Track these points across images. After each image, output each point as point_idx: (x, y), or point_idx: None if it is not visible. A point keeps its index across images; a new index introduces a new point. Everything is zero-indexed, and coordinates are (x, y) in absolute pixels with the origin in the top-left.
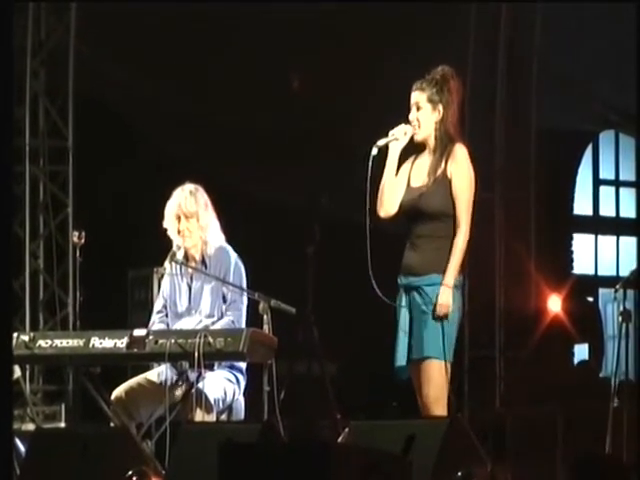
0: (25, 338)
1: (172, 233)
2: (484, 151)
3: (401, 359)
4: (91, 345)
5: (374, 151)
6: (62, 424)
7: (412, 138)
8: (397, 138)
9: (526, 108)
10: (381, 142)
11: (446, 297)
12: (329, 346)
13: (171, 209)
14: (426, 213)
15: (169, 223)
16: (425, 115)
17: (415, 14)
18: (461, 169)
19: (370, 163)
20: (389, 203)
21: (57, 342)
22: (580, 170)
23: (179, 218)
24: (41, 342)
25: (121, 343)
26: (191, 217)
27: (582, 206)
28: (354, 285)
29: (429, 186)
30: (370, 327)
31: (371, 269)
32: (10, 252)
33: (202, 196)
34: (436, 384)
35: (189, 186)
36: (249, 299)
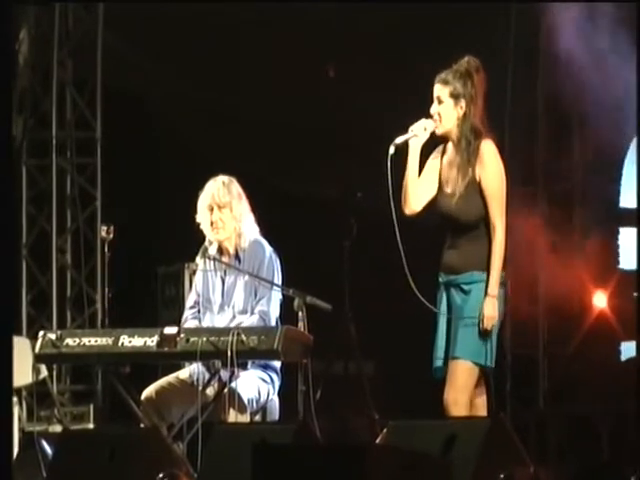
0: (52, 336)
1: (205, 226)
2: (526, 144)
3: (438, 359)
4: (120, 343)
5: (391, 150)
6: (90, 425)
7: (434, 132)
8: (416, 135)
9: (569, 100)
10: (399, 140)
11: (492, 309)
12: (367, 344)
13: (204, 201)
14: (463, 222)
15: (202, 216)
16: (447, 110)
17: (455, 7)
18: (489, 170)
19: (389, 163)
20: (414, 201)
21: (85, 340)
22: (626, 162)
23: (212, 209)
24: (69, 340)
25: (151, 341)
26: (224, 207)
27: (628, 199)
28: (392, 280)
29: (461, 193)
30: (409, 324)
31: (407, 268)
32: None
33: (235, 187)
34: (457, 386)
35: (222, 177)
36: (284, 295)
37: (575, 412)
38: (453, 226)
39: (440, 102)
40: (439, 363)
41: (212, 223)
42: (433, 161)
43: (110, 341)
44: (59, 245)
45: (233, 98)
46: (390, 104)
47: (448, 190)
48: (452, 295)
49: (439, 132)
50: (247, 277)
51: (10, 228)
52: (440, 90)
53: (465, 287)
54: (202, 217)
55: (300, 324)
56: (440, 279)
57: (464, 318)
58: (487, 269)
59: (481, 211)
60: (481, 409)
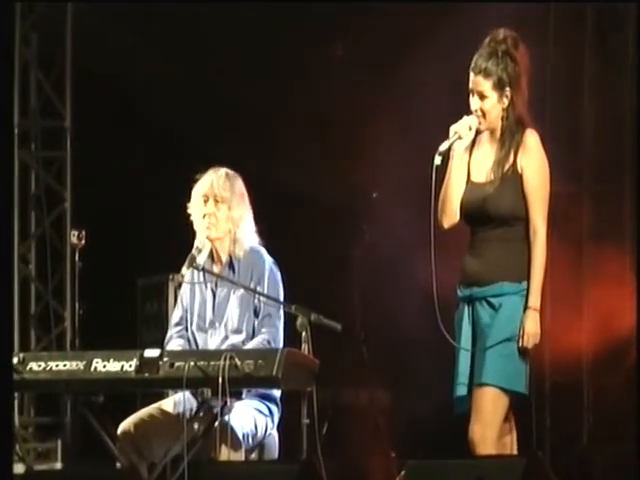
0: (13, 360)
1: (197, 219)
2: (570, 137)
3: (461, 388)
4: (93, 368)
5: (437, 160)
6: (58, 464)
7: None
8: (461, 137)
9: (619, 86)
10: (443, 147)
11: (534, 324)
12: (381, 370)
13: (200, 189)
14: (494, 217)
15: (195, 207)
16: (491, 105)
17: None
18: (534, 162)
19: (434, 175)
20: (454, 211)
21: (52, 365)
22: None
23: (207, 200)
24: (33, 365)
25: (129, 366)
26: (222, 202)
27: None
28: (412, 296)
29: (496, 184)
30: (430, 346)
31: (436, 293)
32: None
33: (239, 185)
34: (485, 419)
35: (226, 169)
36: (285, 313)
37: (625, 451)
38: (479, 222)
39: (482, 97)
40: (462, 392)
41: (204, 216)
42: (462, 155)
43: (81, 366)
44: (21, 253)
45: (230, 86)
46: (407, 94)
47: (478, 180)
48: (477, 311)
49: (482, 128)
50: (243, 290)
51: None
52: (482, 84)
53: (494, 301)
54: (195, 208)
55: (304, 346)
56: (460, 293)
57: (494, 338)
58: (522, 279)
59: (516, 207)
60: (509, 449)
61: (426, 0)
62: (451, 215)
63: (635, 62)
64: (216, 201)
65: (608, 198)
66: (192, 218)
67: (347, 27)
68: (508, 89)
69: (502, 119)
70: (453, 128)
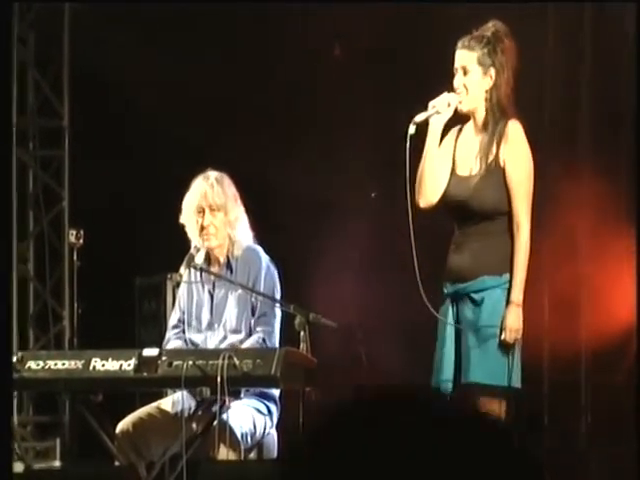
0: (12, 359)
1: (192, 230)
2: (566, 136)
3: (446, 385)
4: (92, 367)
5: (411, 130)
6: (57, 463)
7: (455, 108)
8: (439, 111)
9: (617, 85)
10: (419, 117)
11: (516, 319)
12: (380, 368)
13: (192, 201)
14: (478, 213)
15: (188, 218)
16: (474, 80)
17: None
18: (517, 153)
19: (408, 144)
20: (431, 190)
21: (51, 363)
22: None
23: (202, 211)
24: (31, 363)
25: (128, 365)
26: (218, 210)
27: None
28: (410, 293)
29: (479, 177)
30: (428, 345)
31: (419, 273)
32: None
33: (230, 186)
34: None
35: (213, 173)
36: (283, 312)
37: (623, 451)
38: (463, 217)
39: (466, 72)
40: (446, 389)
41: (203, 228)
42: (447, 142)
43: (80, 364)
44: (20, 252)
45: (224, 82)
46: (409, 89)
47: (462, 173)
48: (461, 308)
49: (463, 108)
50: (241, 290)
51: None
52: (465, 57)
53: (475, 296)
54: (188, 220)
55: (302, 345)
56: (445, 290)
57: (477, 333)
58: (503, 271)
59: (499, 202)
60: None
61: (427, 0)
62: (426, 195)
63: (633, 60)
64: (212, 210)
65: (606, 194)
66: (186, 229)
67: (345, 26)
68: (493, 69)
69: (485, 100)
70: (432, 103)
